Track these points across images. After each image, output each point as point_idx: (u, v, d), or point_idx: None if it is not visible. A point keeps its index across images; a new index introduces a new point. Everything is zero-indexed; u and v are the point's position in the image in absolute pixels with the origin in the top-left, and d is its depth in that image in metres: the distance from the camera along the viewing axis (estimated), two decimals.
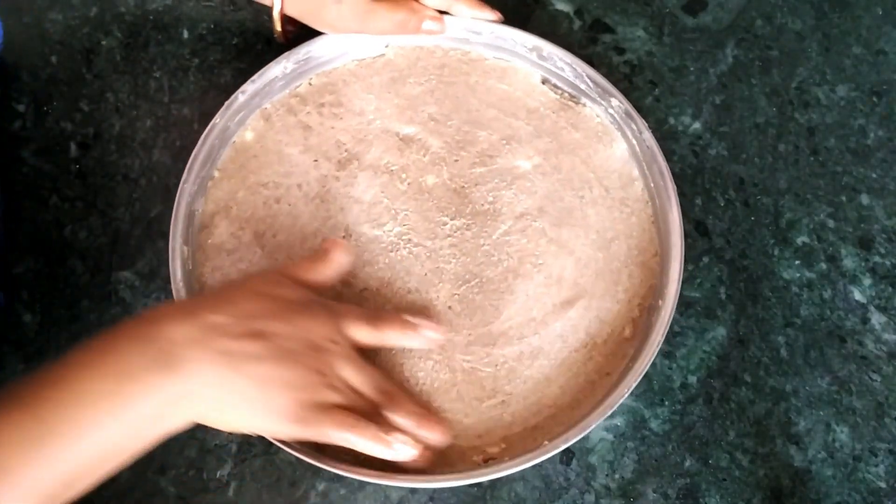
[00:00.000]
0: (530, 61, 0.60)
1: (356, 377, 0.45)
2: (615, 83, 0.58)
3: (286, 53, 0.57)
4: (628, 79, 0.63)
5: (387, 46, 0.61)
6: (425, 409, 0.49)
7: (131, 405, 0.38)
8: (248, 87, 0.57)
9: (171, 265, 0.51)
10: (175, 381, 0.39)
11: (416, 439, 0.45)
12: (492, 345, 0.52)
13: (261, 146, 0.57)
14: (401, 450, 0.44)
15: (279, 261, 0.54)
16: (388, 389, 0.47)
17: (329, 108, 0.59)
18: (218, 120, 0.55)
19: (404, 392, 0.49)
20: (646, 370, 0.49)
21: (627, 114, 0.57)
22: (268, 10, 0.58)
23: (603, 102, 0.58)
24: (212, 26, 0.64)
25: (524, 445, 0.49)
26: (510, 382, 0.52)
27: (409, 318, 0.49)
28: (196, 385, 0.40)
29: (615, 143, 0.58)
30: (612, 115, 0.58)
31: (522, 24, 0.63)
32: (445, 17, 0.59)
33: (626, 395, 0.48)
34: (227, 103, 0.56)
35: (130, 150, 0.60)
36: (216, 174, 0.56)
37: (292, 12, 0.57)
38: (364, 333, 0.47)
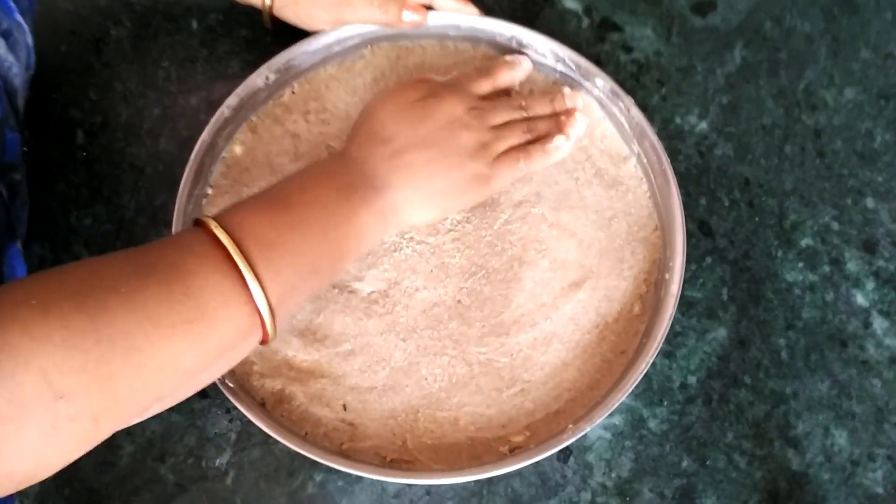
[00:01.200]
0: (511, 50, 0.60)
1: (499, 116, 0.54)
2: (622, 82, 0.58)
3: (266, 64, 0.57)
4: (635, 78, 0.63)
5: (367, 48, 0.61)
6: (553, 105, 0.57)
7: (355, 212, 0.46)
8: (232, 101, 0.56)
9: None
10: (382, 197, 0.47)
11: (563, 129, 0.55)
12: (505, 334, 0.52)
13: (251, 159, 0.57)
14: (562, 146, 0.54)
15: None
16: (522, 104, 0.56)
17: (315, 115, 0.59)
18: (206, 136, 0.55)
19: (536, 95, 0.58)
20: (661, 345, 0.49)
21: (613, 92, 0.57)
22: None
23: (587, 83, 0.58)
24: (221, 17, 0.65)
25: (548, 431, 0.50)
26: (527, 370, 0.52)
27: (509, 57, 0.58)
28: (399, 198, 0.48)
29: (602, 122, 0.58)
30: (597, 96, 0.58)
31: (531, 22, 0.64)
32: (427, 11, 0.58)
33: (642, 374, 0.48)
34: (212, 119, 0.55)
35: (137, 138, 0.60)
36: (210, 191, 0.56)
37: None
38: (485, 85, 0.55)
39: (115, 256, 0.38)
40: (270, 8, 0.57)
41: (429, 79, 0.54)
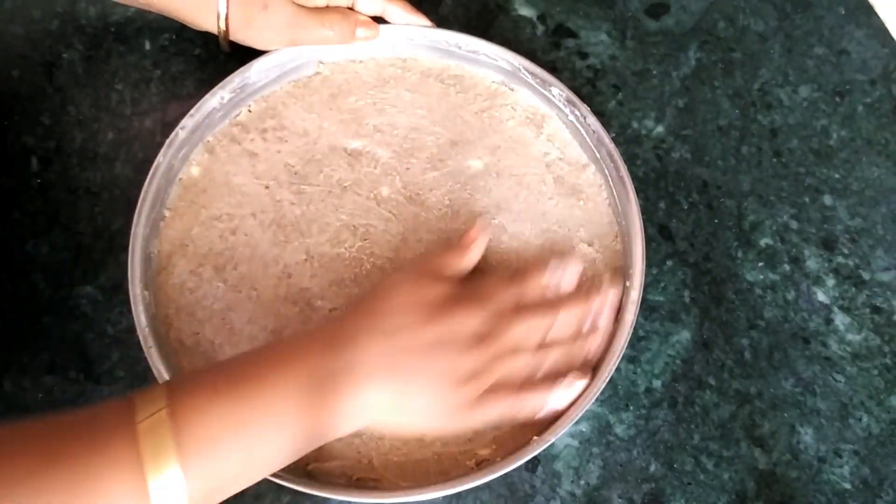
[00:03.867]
0: (467, 59, 0.60)
1: (514, 333, 0.48)
2: (578, 88, 0.58)
3: (221, 83, 0.57)
4: (591, 83, 0.63)
5: (321, 64, 0.61)
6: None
7: (316, 409, 0.42)
8: (188, 122, 0.56)
9: (135, 311, 0.50)
10: (355, 395, 0.43)
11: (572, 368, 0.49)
12: None
13: (209, 179, 0.57)
14: (559, 399, 0.48)
15: (243, 293, 0.53)
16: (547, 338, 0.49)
17: (272, 133, 0.59)
18: (161, 159, 0.54)
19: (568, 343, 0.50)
20: (624, 350, 0.49)
21: (569, 100, 0.57)
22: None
23: (544, 92, 0.58)
24: (174, 37, 0.64)
25: (515, 442, 0.49)
26: None
27: (554, 262, 0.52)
28: (374, 396, 0.43)
29: (561, 130, 0.59)
30: (554, 104, 0.58)
31: (485, 30, 0.64)
32: (379, 25, 0.59)
33: (607, 381, 0.49)
34: (167, 141, 0.55)
35: (92, 163, 0.59)
36: (167, 214, 0.55)
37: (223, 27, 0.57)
38: (510, 298, 0.49)
39: (30, 426, 0.36)
40: (225, 33, 0.57)
41: (453, 279, 0.49)
